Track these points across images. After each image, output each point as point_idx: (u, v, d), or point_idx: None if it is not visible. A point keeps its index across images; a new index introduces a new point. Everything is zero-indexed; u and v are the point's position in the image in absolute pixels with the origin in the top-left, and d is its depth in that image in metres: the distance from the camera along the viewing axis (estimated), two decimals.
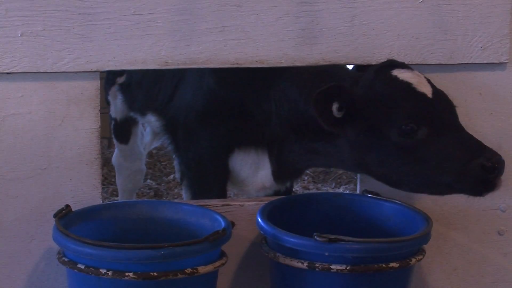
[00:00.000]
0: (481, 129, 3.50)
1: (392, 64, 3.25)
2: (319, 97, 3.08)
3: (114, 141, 4.97)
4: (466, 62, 3.44)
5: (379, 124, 3.13)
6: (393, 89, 3.16)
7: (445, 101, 3.20)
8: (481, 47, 3.43)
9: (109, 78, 4.70)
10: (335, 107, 3.11)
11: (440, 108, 3.16)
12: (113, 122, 4.86)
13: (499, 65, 3.47)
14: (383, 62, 3.28)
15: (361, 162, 3.22)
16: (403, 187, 3.21)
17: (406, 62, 3.38)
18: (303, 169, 3.80)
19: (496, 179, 3.06)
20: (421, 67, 3.41)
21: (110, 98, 4.77)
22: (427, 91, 3.16)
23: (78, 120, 3.30)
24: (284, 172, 3.64)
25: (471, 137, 3.13)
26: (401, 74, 3.18)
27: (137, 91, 4.41)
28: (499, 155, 3.06)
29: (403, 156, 3.11)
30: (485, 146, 3.09)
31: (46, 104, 3.28)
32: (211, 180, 3.86)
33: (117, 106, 4.74)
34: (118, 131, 4.89)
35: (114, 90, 4.69)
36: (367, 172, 3.27)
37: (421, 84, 3.17)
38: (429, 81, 3.21)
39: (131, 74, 4.41)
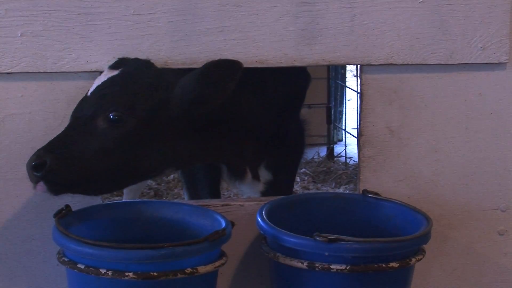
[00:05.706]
0: (481, 129, 3.50)
1: (124, 63, 3.21)
2: None
3: None
4: (466, 62, 3.44)
5: None
6: None
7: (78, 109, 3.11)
8: (481, 47, 3.43)
9: None
10: None
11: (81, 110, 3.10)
12: None
13: (499, 65, 3.47)
14: (134, 59, 3.24)
15: None
16: None
17: (406, 62, 3.39)
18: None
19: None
20: (421, 67, 3.42)
21: None
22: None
23: None
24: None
25: (61, 137, 3.05)
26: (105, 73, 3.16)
27: None
28: (33, 158, 2.96)
29: None
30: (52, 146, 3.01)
31: (46, 104, 3.28)
32: (203, 179, 3.87)
33: None
34: None
35: None
36: None
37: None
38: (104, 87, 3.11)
39: None
